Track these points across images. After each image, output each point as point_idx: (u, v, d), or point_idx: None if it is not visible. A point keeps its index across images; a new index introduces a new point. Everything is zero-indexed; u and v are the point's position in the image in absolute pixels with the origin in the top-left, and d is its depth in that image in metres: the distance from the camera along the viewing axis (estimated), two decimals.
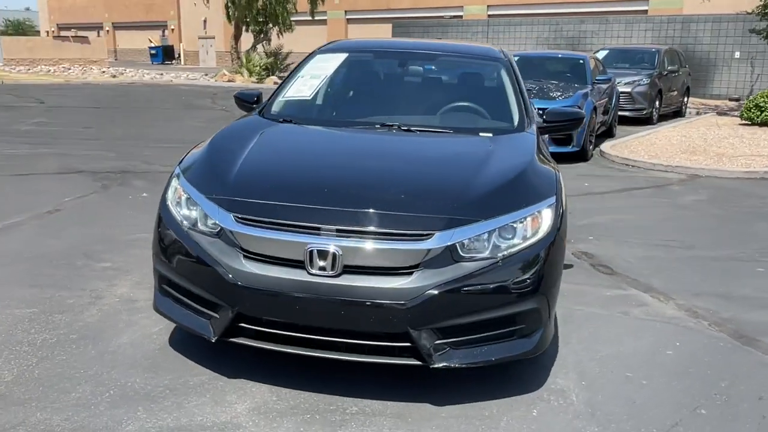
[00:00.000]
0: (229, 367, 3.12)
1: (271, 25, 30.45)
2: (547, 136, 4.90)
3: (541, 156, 3.45)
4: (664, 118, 15.26)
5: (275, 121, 3.88)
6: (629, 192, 7.83)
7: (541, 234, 2.91)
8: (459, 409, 2.87)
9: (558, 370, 3.26)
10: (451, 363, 2.76)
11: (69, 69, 32.66)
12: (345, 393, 2.94)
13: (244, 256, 2.79)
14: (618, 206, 7.01)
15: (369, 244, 2.69)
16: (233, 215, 2.85)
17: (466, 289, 2.71)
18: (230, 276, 2.76)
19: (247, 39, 31.85)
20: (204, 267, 2.84)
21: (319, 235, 2.72)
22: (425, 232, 2.71)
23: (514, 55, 11.82)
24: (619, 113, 13.34)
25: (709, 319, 3.98)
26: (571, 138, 9.39)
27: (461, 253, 2.75)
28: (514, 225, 2.87)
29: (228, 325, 2.83)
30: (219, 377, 3.04)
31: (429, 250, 2.69)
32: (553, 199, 3.05)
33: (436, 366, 2.74)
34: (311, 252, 2.69)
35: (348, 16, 40.35)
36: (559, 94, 9.72)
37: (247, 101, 4.31)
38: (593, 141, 10.20)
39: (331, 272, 2.68)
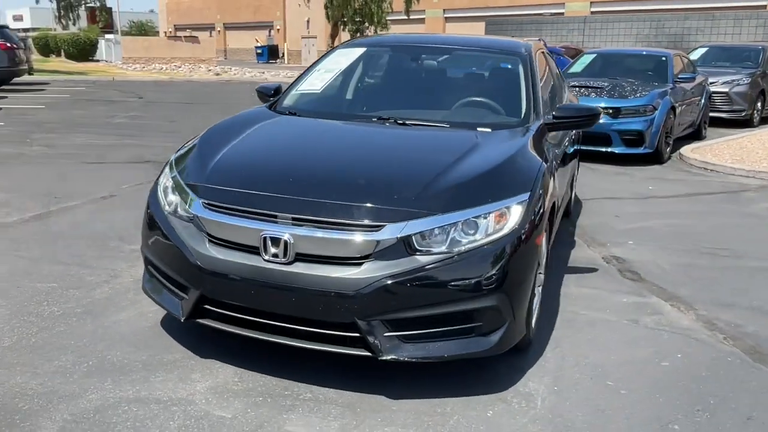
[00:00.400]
0: (206, 347, 3.24)
1: (366, 24, 30.98)
2: (573, 131, 4.71)
3: (531, 152, 3.34)
4: None
5: (281, 113, 3.98)
6: (696, 197, 7.35)
7: (506, 230, 2.83)
8: (413, 403, 2.84)
9: (534, 373, 3.15)
10: (401, 356, 2.74)
11: (179, 67, 34.60)
12: (306, 380, 2.98)
13: (209, 241, 2.90)
14: (676, 211, 6.61)
15: (320, 233, 2.72)
16: (202, 201, 2.97)
17: (417, 282, 2.68)
18: (195, 259, 2.88)
19: (344, 38, 32.56)
20: (176, 249, 2.98)
21: (276, 222, 2.78)
22: (375, 224, 2.71)
23: (592, 53, 11.45)
24: (715, 115, 12.54)
25: (726, 333, 3.70)
26: (643, 139, 8.94)
27: (417, 246, 2.73)
28: (477, 220, 2.81)
29: (193, 307, 2.95)
30: (193, 356, 3.17)
31: (379, 242, 2.69)
32: (525, 196, 2.95)
33: (384, 358, 2.73)
34: (265, 239, 2.75)
35: (446, 15, 40.29)
36: (632, 92, 9.27)
37: (265, 94, 4.43)
38: (671, 143, 9.64)
39: (283, 259, 2.74)
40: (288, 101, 4.18)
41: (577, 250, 5.15)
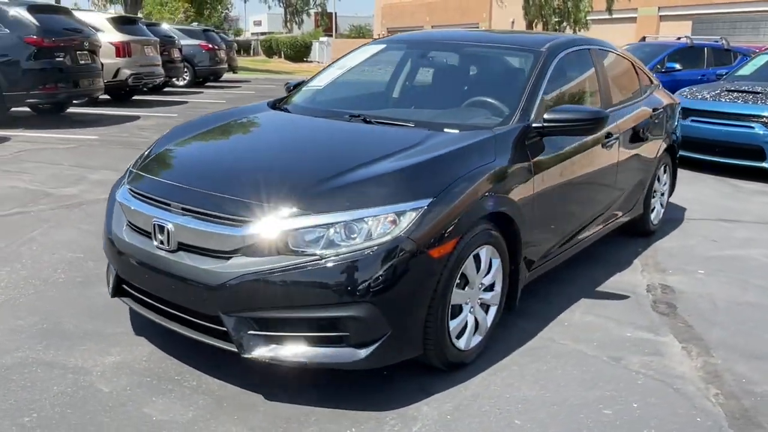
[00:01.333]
0: (148, 326, 3.40)
1: (565, 23, 29.81)
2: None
3: (466, 157, 3.03)
4: None
5: (276, 109, 4.04)
6: None
7: (389, 237, 2.62)
8: (282, 408, 2.74)
9: (440, 398, 2.87)
10: (262, 356, 2.67)
11: None
12: (207, 369, 3.01)
13: (126, 224, 3.08)
14: None
15: (195, 224, 2.75)
16: (127, 187, 3.15)
17: (281, 282, 2.59)
18: (110, 238, 3.08)
19: None
20: (106, 231, 3.20)
21: (169, 210, 2.86)
22: (242, 219, 2.66)
23: (756, 52, 9.85)
24: None
25: (726, 389, 3.05)
26: None
27: (290, 246, 2.63)
28: (357, 224, 2.64)
29: (115, 285, 3.15)
30: (129, 333, 3.37)
31: (245, 237, 2.64)
32: (425, 203, 2.70)
33: (246, 356, 2.68)
34: (155, 225, 2.85)
35: (661, 13, 37.20)
36: None
37: (288, 89, 4.54)
38: None
39: (167, 247, 2.81)
40: (292, 97, 4.24)
41: (623, 274, 4.53)
